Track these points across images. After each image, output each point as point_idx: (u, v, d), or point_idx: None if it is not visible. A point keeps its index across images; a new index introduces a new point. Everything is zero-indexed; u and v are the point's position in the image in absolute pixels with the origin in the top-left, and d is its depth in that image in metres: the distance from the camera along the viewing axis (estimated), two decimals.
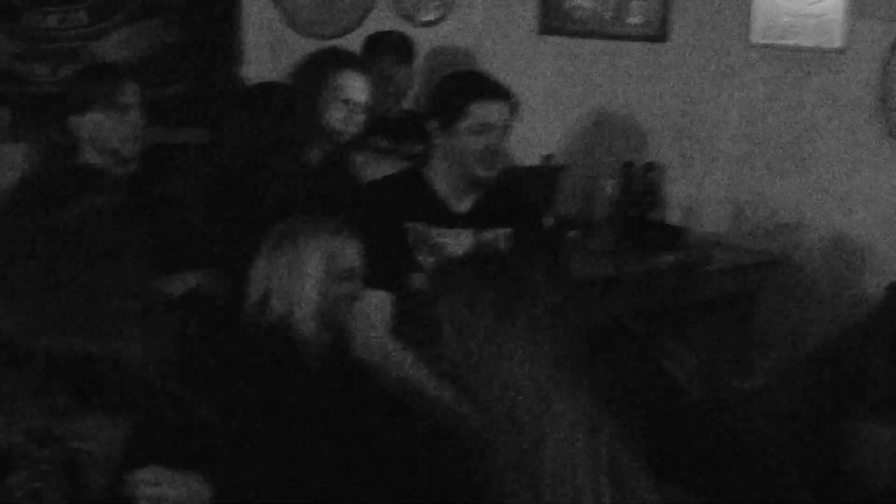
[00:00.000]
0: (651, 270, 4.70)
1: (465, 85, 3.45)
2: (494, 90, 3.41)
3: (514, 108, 3.43)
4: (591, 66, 5.44)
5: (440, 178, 3.45)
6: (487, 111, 3.37)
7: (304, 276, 2.84)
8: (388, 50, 4.66)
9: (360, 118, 3.89)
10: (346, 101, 3.84)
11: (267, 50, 4.87)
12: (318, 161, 3.85)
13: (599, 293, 4.38)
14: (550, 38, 5.43)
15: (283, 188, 3.49)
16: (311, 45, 4.69)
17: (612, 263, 4.70)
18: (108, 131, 3.43)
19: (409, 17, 5.16)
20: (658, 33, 5.32)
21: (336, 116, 3.83)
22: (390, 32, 4.79)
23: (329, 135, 3.84)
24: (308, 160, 3.80)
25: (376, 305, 3.26)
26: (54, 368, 1.84)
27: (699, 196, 5.31)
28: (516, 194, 3.62)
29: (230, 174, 3.70)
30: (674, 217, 5.28)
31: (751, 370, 4.90)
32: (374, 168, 3.92)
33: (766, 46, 5.06)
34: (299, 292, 2.83)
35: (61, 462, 1.84)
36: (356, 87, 3.87)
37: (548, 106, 5.30)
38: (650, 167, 5.16)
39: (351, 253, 2.93)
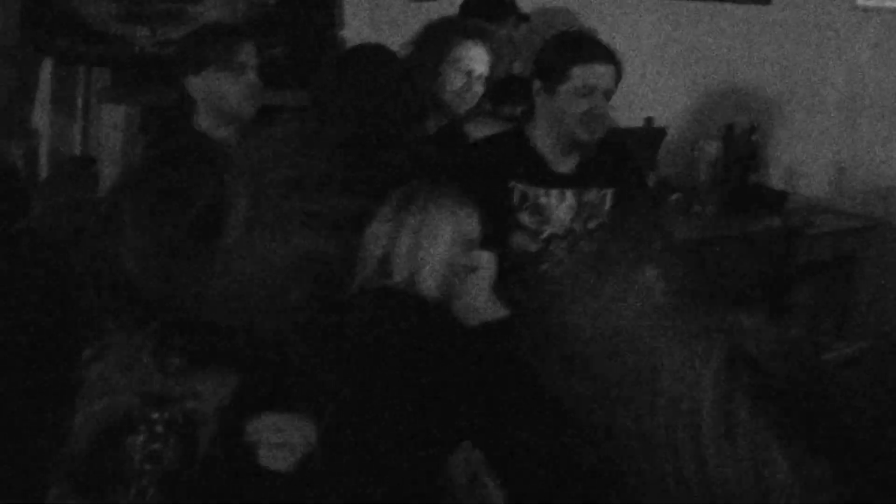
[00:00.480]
0: (752, 234, 4.67)
1: (571, 47, 3.43)
2: (600, 53, 3.38)
3: (618, 72, 3.41)
4: (693, 28, 5.39)
5: (542, 139, 3.44)
6: (592, 74, 3.35)
7: (435, 241, 2.77)
8: (488, 11, 4.64)
9: (479, 89, 3.86)
10: (466, 73, 3.83)
11: (366, 12, 4.89)
12: (433, 131, 3.84)
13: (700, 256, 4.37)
14: (653, 0, 5.40)
15: (399, 157, 3.47)
16: (410, 7, 4.71)
17: (713, 226, 4.68)
18: (224, 91, 3.42)
19: None
20: None
21: (455, 87, 3.82)
22: None
23: (446, 105, 3.84)
24: (425, 130, 3.79)
25: (482, 265, 3.27)
26: (170, 329, 1.87)
27: (801, 159, 5.25)
28: (619, 155, 3.61)
29: (343, 139, 3.69)
30: (776, 180, 5.23)
31: (851, 335, 4.86)
32: (477, 130, 3.93)
33: (872, 8, 4.98)
34: (428, 257, 2.75)
35: (177, 422, 1.85)
36: (476, 59, 3.84)
37: (650, 68, 5.27)
38: (752, 130, 5.11)
39: (474, 223, 2.89)
